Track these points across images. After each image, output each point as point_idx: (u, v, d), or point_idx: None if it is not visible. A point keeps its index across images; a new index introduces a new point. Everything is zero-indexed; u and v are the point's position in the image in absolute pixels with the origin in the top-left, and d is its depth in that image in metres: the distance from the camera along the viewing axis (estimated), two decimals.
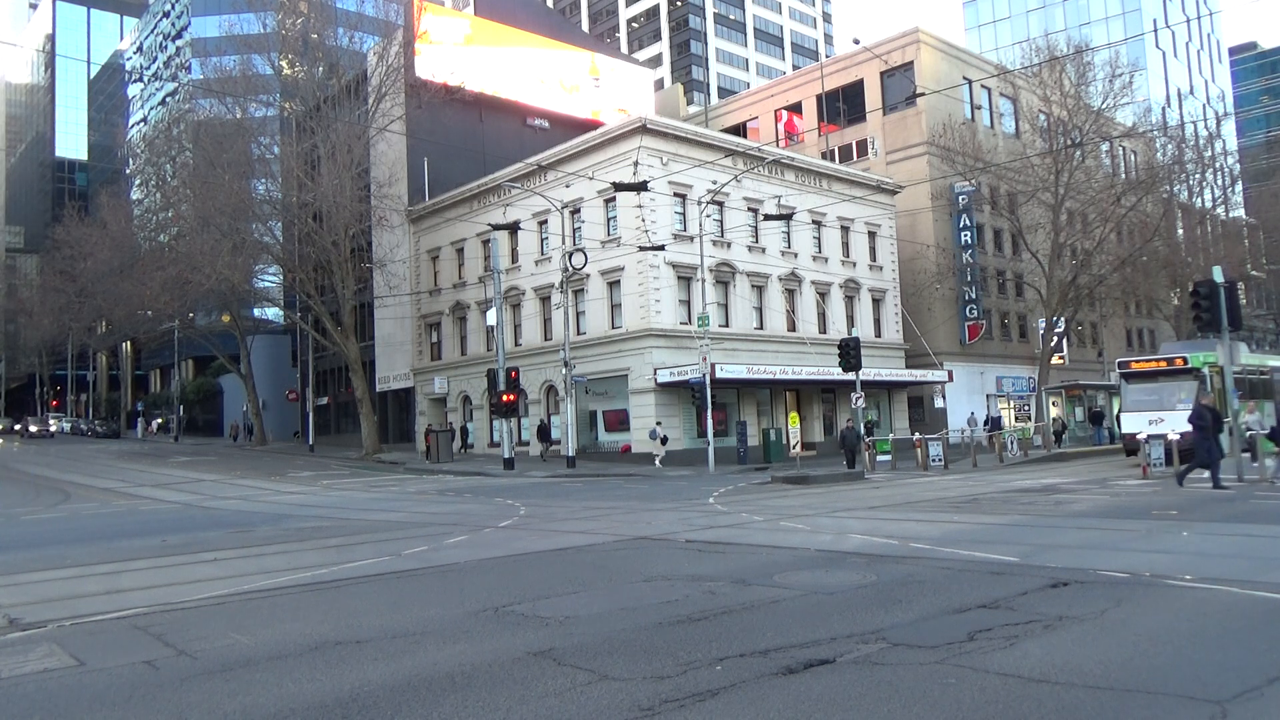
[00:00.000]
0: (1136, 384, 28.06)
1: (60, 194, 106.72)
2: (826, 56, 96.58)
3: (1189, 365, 26.54)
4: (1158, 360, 28.34)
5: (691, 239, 36.26)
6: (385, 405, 51.88)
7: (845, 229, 44.19)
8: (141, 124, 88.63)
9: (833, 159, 50.46)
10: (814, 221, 42.46)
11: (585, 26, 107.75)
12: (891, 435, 36.14)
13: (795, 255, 41.83)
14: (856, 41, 48.63)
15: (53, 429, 74.57)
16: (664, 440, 34.20)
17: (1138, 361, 29.27)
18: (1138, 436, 26.20)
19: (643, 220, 35.15)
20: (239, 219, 46.50)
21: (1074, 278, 45.60)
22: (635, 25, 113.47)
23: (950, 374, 44.03)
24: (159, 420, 77.18)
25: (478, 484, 28.14)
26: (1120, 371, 29.07)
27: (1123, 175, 53.32)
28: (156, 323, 61.36)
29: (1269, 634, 6.74)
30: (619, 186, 29.07)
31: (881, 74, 50.43)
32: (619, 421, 37.77)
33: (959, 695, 5.32)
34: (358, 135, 45.92)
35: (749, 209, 39.85)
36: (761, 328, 39.98)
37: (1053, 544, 11.69)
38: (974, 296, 48.22)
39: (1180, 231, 53.73)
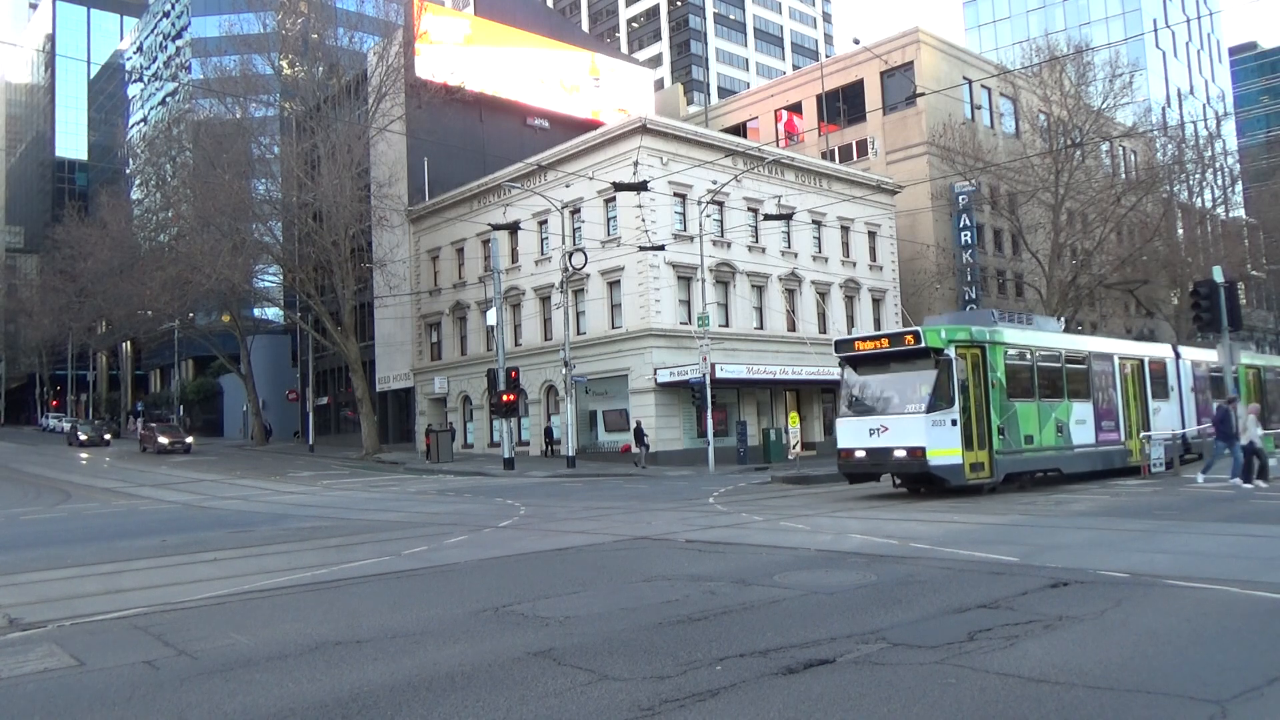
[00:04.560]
0: (862, 374, 19.71)
1: (60, 194, 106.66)
2: (826, 56, 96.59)
3: (923, 345, 18.21)
4: (879, 339, 20.08)
5: (691, 239, 36.25)
6: (385, 405, 51.88)
7: (845, 229, 44.18)
8: (141, 124, 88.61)
9: (833, 159, 50.46)
10: (814, 221, 42.45)
11: (585, 26, 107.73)
12: None
13: (795, 255, 41.82)
14: (856, 41, 48.64)
15: (189, 440, 51.99)
16: (639, 439, 33.59)
17: (861, 340, 20.26)
18: (856, 454, 18.66)
19: (643, 220, 35.16)
20: (239, 219, 46.53)
21: (1074, 278, 45.60)
22: (635, 25, 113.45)
23: None
24: (141, 420, 75.57)
25: (478, 484, 28.14)
26: (839, 356, 20.17)
27: (1123, 175, 53.34)
28: (156, 323, 61.37)
29: (1269, 634, 6.74)
30: (619, 186, 29.05)
31: (881, 74, 50.45)
32: (619, 421, 37.77)
33: (959, 695, 5.31)
34: (358, 135, 45.94)
35: (749, 209, 39.84)
36: (761, 328, 39.98)
37: (1053, 544, 11.68)
38: (974, 296, 48.23)
39: (1180, 231, 53.74)
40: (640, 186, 28.57)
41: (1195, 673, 5.77)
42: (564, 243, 38.55)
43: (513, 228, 38.99)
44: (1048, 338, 21.60)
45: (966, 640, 6.53)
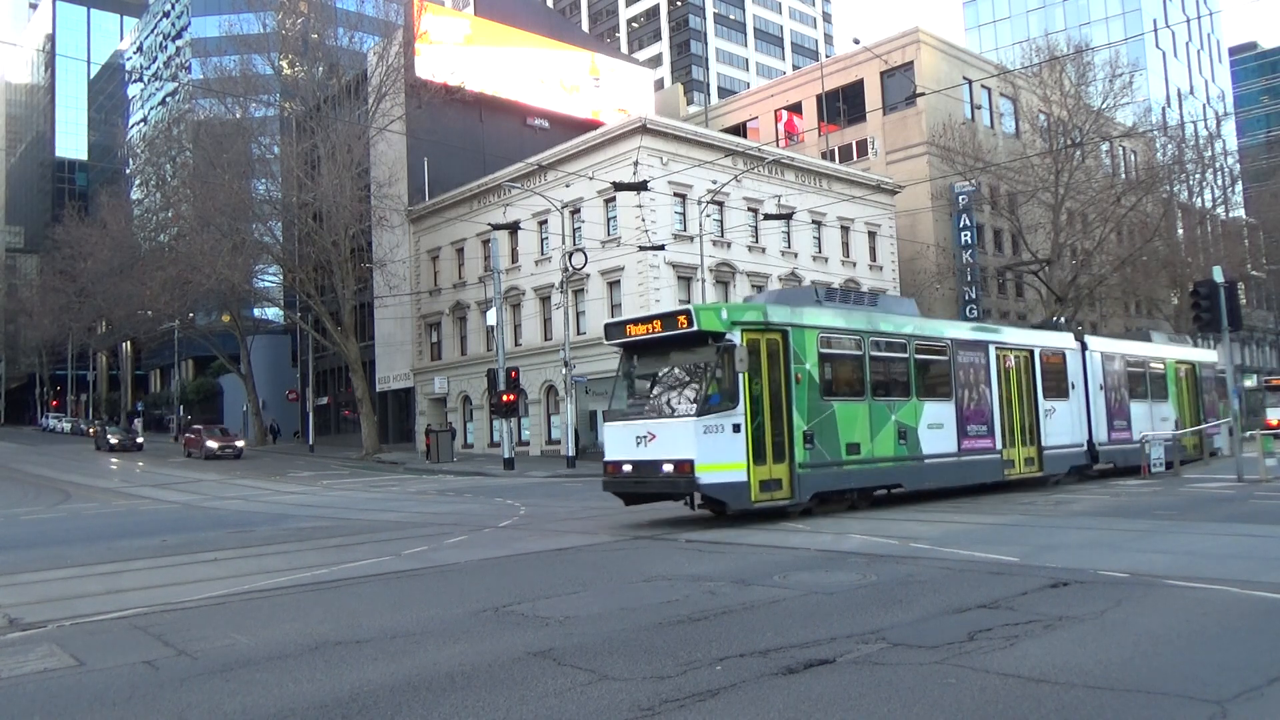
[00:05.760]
0: (637, 367, 15.92)
1: (60, 194, 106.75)
2: (826, 56, 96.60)
3: (696, 328, 14.32)
4: (651, 321, 15.42)
5: (691, 239, 36.26)
6: (385, 405, 51.89)
7: (845, 229, 44.21)
8: (141, 124, 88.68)
9: (833, 159, 50.48)
10: (814, 221, 42.49)
11: (585, 26, 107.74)
12: None
13: (795, 255, 41.83)
14: (856, 41, 48.66)
15: (240, 444, 47.14)
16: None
17: (634, 324, 15.83)
18: (622, 468, 14.80)
19: (643, 220, 35.17)
20: (239, 219, 46.58)
21: (1074, 278, 45.62)
22: (635, 25, 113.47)
23: None
24: (141, 420, 74.85)
25: (478, 484, 28.14)
26: (611, 343, 16.34)
27: (1123, 175, 53.36)
28: (156, 323, 61.42)
29: (1269, 634, 6.74)
30: (619, 186, 29.05)
31: (881, 74, 50.47)
32: None
33: (959, 695, 5.31)
34: (358, 135, 45.98)
35: (749, 209, 39.87)
36: None
37: (1053, 544, 11.68)
38: (974, 296, 48.23)
39: (1180, 231, 53.76)
40: (640, 186, 28.55)
41: (1195, 673, 5.77)
42: (564, 243, 38.56)
43: (513, 228, 39.01)
44: (890, 320, 17.56)
45: (966, 640, 6.53)
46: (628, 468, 14.75)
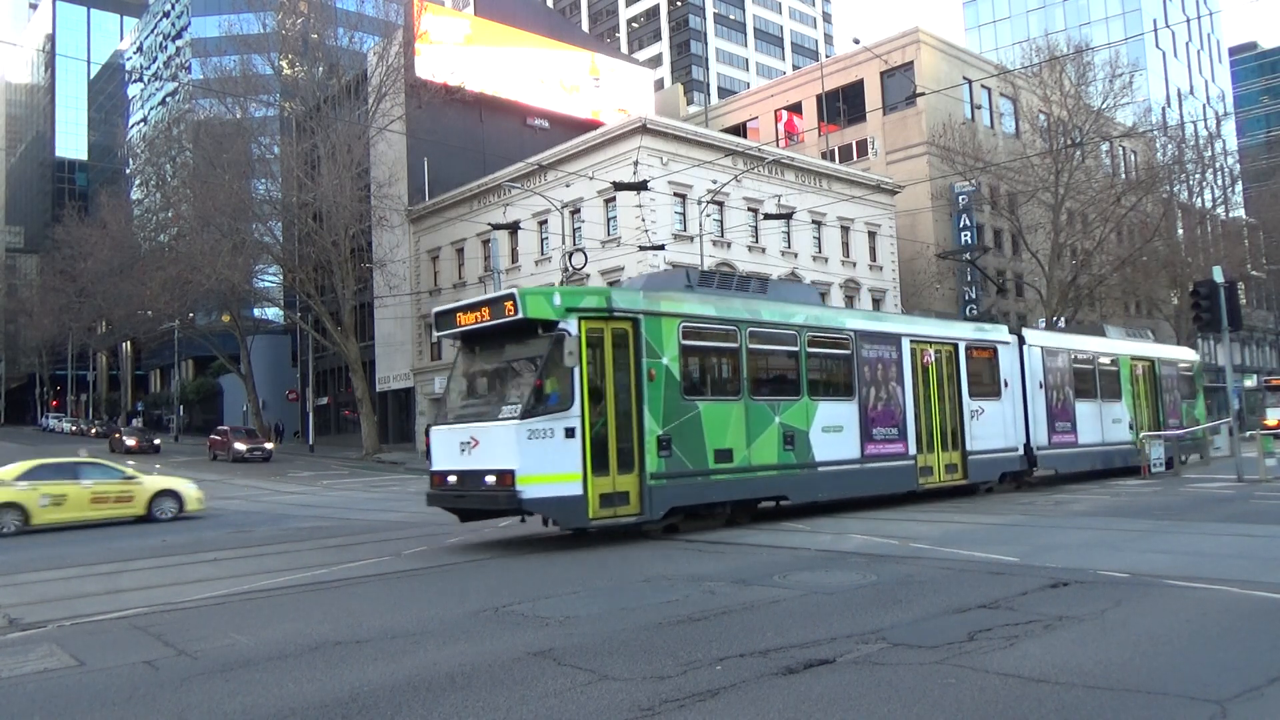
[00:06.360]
0: (471, 362, 14.07)
1: (60, 194, 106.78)
2: (826, 56, 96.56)
3: (523, 315, 12.33)
4: (480, 308, 13.14)
5: (691, 239, 36.26)
6: (385, 405, 51.90)
7: (845, 229, 44.22)
8: (141, 124, 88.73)
9: (833, 159, 50.48)
10: (814, 221, 42.49)
11: (585, 26, 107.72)
12: None
13: (795, 255, 41.83)
14: (856, 41, 48.70)
15: (269, 446, 45.66)
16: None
17: (464, 311, 13.49)
18: (448, 479, 12.81)
19: (643, 220, 35.17)
20: (239, 219, 46.61)
21: (1074, 278, 45.64)
22: (635, 25, 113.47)
23: None
24: (140, 420, 74.36)
25: None
26: (440, 334, 14.62)
27: (1123, 175, 53.35)
28: (156, 323, 61.41)
29: (1269, 634, 6.74)
30: (619, 186, 29.03)
31: (881, 74, 50.48)
32: None
33: (959, 695, 5.31)
34: (358, 135, 46.01)
35: (749, 209, 39.88)
36: None
37: (1053, 544, 11.68)
38: (974, 296, 48.22)
39: (1180, 231, 53.76)
40: (640, 186, 28.53)
41: (1195, 673, 5.77)
42: (564, 243, 38.58)
43: (513, 228, 38.96)
44: (777, 309, 15.32)
45: (966, 640, 6.53)
46: (453, 479, 12.72)
